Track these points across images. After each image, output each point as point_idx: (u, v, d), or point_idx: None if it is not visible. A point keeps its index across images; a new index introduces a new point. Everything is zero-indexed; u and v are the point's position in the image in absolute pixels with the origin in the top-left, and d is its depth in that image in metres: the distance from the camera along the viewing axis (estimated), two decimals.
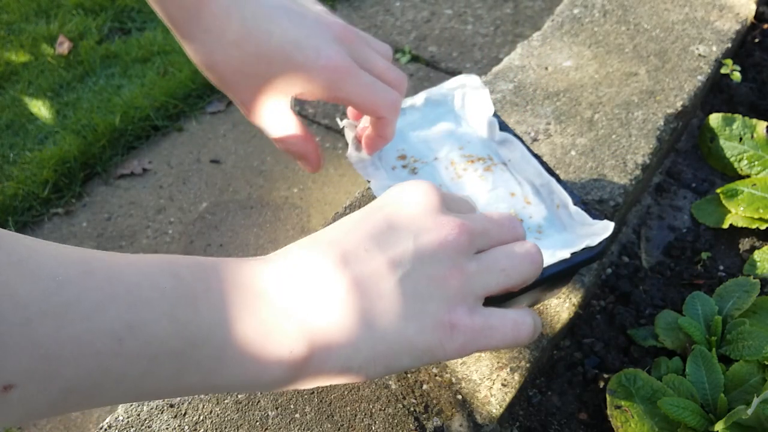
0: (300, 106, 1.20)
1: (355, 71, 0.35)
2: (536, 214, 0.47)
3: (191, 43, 0.35)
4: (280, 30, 0.34)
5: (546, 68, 0.72)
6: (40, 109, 1.23)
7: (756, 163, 0.67)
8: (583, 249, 0.42)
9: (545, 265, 0.41)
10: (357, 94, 0.36)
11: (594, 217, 0.44)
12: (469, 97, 0.53)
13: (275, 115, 0.37)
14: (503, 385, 0.46)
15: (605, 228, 0.42)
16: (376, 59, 0.38)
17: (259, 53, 0.34)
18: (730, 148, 0.69)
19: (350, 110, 0.44)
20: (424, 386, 0.46)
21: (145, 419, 0.46)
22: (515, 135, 0.50)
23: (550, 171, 0.47)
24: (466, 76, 0.53)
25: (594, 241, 0.42)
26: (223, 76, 0.35)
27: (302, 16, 0.35)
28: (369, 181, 0.44)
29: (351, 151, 0.44)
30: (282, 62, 0.34)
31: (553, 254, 0.42)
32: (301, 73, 0.34)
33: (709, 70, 0.71)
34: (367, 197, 0.59)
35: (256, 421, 0.45)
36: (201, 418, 0.46)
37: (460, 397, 0.46)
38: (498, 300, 0.39)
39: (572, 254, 0.41)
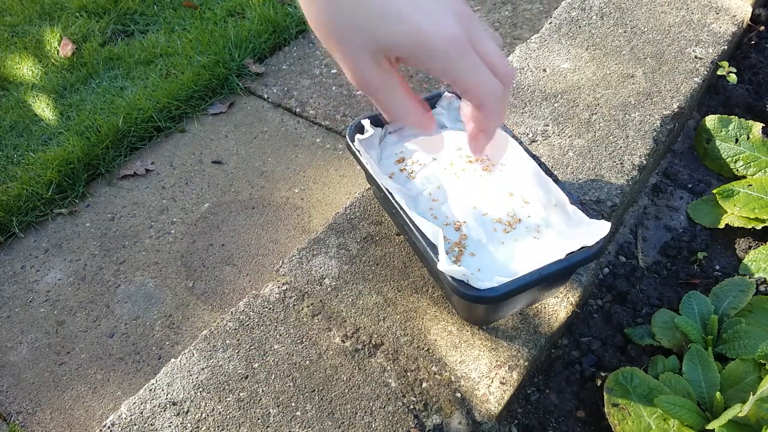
0: (301, 108, 1.20)
1: (469, 49, 0.34)
2: (534, 214, 0.47)
3: None
4: None
5: (544, 70, 0.72)
6: (44, 110, 1.24)
7: (752, 164, 0.68)
8: (581, 249, 0.42)
9: (543, 264, 0.42)
10: (465, 74, 0.34)
11: (591, 217, 0.44)
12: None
13: (377, 75, 0.34)
14: (502, 383, 0.46)
15: (602, 228, 0.43)
16: (490, 46, 0.36)
17: (373, 7, 0.32)
18: (726, 149, 0.69)
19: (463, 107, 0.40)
20: (424, 384, 0.47)
21: (148, 417, 0.46)
22: (514, 136, 0.51)
23: (548, 172, 0.48)
24: None
25: (591, 241, 0.42)
26: (332, 28, 0.34)
27: None
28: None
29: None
30: (395, 21, 0.32)
31: (551, 254, 0.43)
32: (415, 36, 0.33)
33: (706, 72, 0.72)
34: (368, 197, 0.60)
35: (258, 419, 0.46)
36: (203, 415, 0.46)
37: (459, 395, 0.46)
38: (497, 299, 0.40)
39: (570, 254, 0.42)
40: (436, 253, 0.41)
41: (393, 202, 0.45)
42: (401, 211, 0.45)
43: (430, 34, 0.32)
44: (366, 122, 0.51)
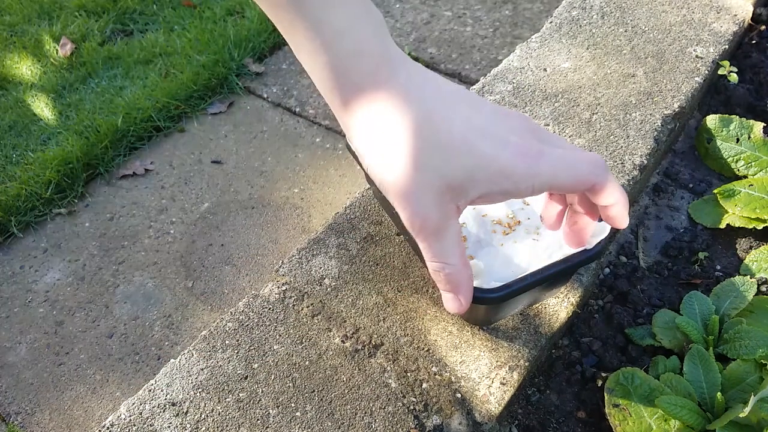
0: (301, 107, 1.20)
1: (547, 149, 0.31)
2: (534, 215, 0.47)
3: (363, 130, 0.31)
4: (462, 117, 0.30)
5: (544, 70, 0.72)
6: (43, 110, 1.24)
7: (753, 163, 0.67)
8: (581, 250, 0.42)
9: (543, 265, 0.41)
10: (559, 170, 0.31)
11: None
12: None
13: (438, 218, 0.30)
14: (502, 383, 0.46)
15: (602, 230, 0.42)
16: (559, 142, 0.34)
17: (438, 142, 0.29)
18: (727, 149, 0.69)
19: (546, 212, 0.39)
20: (424, 385, 0.47)
21: (148, 417, 0.46)
22: None
23: None
24: None
25: (591, 243, 0.42)
26: (392, 170, 0.30)
27: (481, 103, 0.32)
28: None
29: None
30: (465, 153, 0.29)
31: (551, 255, 0.43)
32: (488, 164, 0.30)
33: (707, 72, 0.72)
34: (368, 197, 0.60)
35: (258, 420, 0.46)
36: (203, 416, 0.46)
37: (459, 395, 0.46)
38: (498, 300, 0.40)
39: (570, 255, 0.42)
40: None
41: None
42: None
43: (502, 158, 0.29)
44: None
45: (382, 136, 0.31)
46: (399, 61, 0.31)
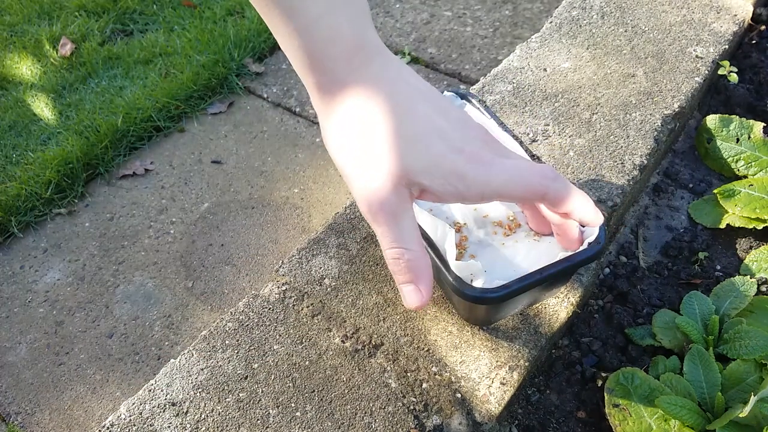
0: (301, 107, 1.20)
1: (498, 160, 0.32)
2: None
3: (330, 112, 0.32)
4: (425, 115, 0.32)
5: (544, 69, 0.72)
6: (43, 110, 1.24)
7: (753, 163, 0.67)
8: (580, 250, 0.42)
9: (543, 265, 0.41)
10: (508, 180, 0.32)
11: None
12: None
13: (396, 203, 0.31)
14: (502, 383, 0.46)
15: (591, 233, 0.42)
16: (512, 155, 0.35)
17: (397, 132, 0.31)
18: (727, 149, 0.69)
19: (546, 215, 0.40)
20: (424, 385, 0.47)
21: (147, 417, 0.46)
22: (514, 136, 0.51)
23: None
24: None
25: (584, 245, 0.42)
26: (351, 154, 0.32)
27: (447, 108, 0.33)
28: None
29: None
30: (422, 148, 0.31)
31: (552, 255, 0.43)
32: (442, 164, 0.31)
33: (707, 72, 0.72)
34: None
35: (258, 420, 0.46)
36: (203, 416, 0.46)
37: (459, 395, 0.46)
38: (498, 300, 0.40)
39: (570, 255, 0.42)
40: (440, 253, 0.41)
41: None
42: None
43: (457, 159, 0.31)
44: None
45: (347, 120, 0.32)
46: (374, 50, 0.32)
